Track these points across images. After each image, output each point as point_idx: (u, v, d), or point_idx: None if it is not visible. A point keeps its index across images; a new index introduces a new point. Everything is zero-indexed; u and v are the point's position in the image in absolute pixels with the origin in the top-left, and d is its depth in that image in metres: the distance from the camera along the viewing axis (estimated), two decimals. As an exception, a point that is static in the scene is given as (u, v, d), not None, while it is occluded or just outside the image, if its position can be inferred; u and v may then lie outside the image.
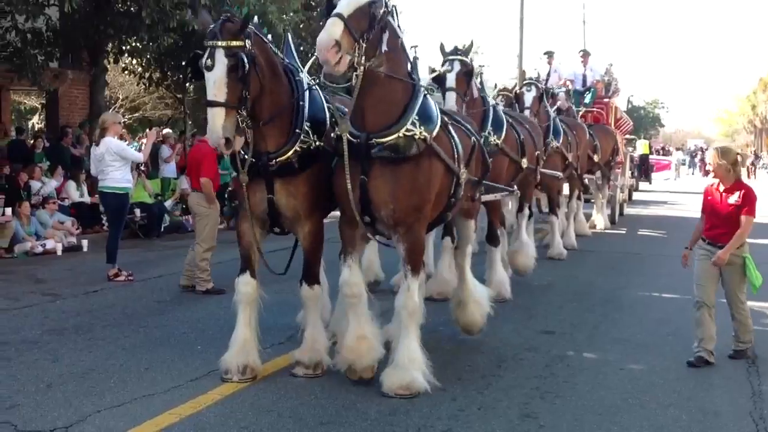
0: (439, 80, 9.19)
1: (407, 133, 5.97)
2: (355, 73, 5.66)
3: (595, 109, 18.49)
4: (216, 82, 5.67)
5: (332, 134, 6.18)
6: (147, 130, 15.00)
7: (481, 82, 10.35)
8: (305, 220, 6.51)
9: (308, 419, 5.67)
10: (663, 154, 50.56)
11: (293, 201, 6.39)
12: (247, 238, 6.59)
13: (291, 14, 17.93)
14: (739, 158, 7.52)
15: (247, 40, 5.81)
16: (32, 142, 17.62)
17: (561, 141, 13.41)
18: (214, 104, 5.66)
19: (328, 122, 6.47)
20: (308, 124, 6.39)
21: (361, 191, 6.01)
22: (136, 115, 30.60)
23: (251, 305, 6.59)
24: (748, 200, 7.29)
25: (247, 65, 5.73)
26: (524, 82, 13.76)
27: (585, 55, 19.42)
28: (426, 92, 6.41)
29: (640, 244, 15.87)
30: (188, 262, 10.17)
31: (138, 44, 18.49)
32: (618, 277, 11.81)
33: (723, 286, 7.40)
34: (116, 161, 10.64)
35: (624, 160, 20.79)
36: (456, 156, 6.58)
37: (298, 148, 6.30)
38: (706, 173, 51.52)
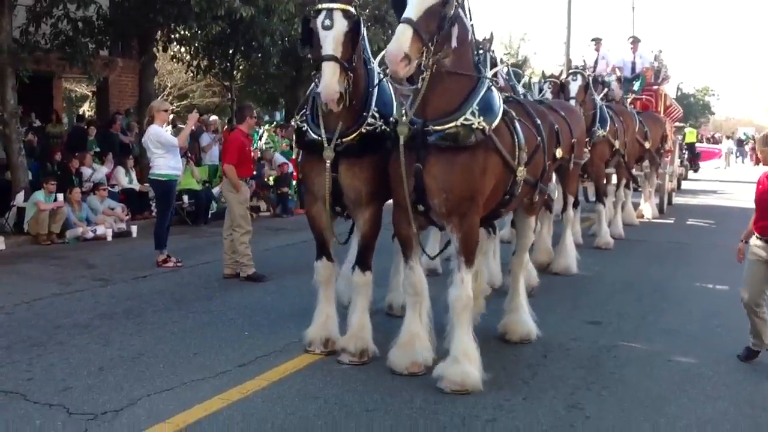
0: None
1: (465, 122, 5.94)
2: (421, 77, 5.76)
3: (644, 96, 18.20)
4: (335, 38, 5.91)
5: (390, 119, 6.34)
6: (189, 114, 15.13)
7: (509, 73, 10.22)
8: (366, 206, 6.62)
9: (354, 406, 5.71)
10: (713, 143, 49.66)
11: (357, 182, 6.51)
12: (318, 221, 6.83)
13: None
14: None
15: (356, 9, 6.13)
16: (86, 127, 17.94)
17: (608, 129, 13.27)
18: (331, 58, 5.86)
19: (393, 113, 6.54)
20: (376, 109, 6.52)
21: (416, 178, 5.99)
22: (184, 102, 30.98)
23: (330, 285, 7.00)
24: None
25: (362, 29, 6.17)
26: (569, 71, 13.65)
27: (635, 41, 19.05)
28: (491, 84, 6.38)
29: (688, 234, 15.64)
30: (226, 251, 10.31)
31: (186, 32, 18.70)
32: (666, 268, 11.66)
33: None
34: (159, 148, 10.83)
35: (673, 149, 20.47)
36: (517, 152, 6.50)
37: (364, 130, 6.42)
38: (757, 161, 50.69)
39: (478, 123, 5.97)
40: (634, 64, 18.53)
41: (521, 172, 6.55)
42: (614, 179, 14.83)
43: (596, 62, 17.48)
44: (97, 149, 16.88)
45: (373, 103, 6.53)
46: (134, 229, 14.42)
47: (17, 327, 7.74)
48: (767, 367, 6.89)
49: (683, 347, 7.43)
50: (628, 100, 16.45)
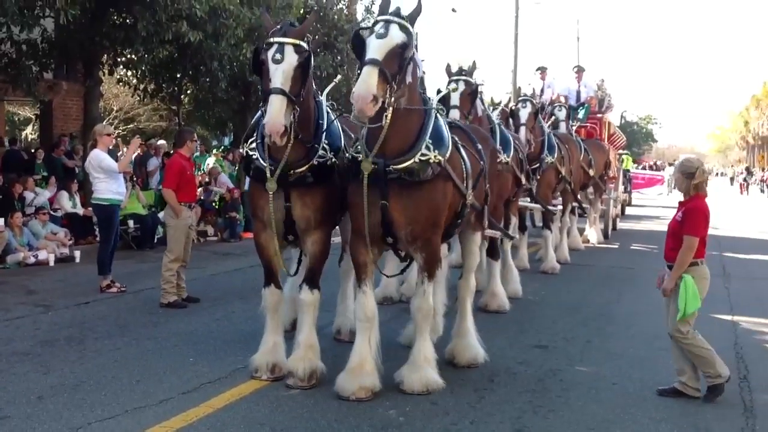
0: (443, 99, 9.44)
1: (422, 158, 6.20)
2: (385, 115, 5.89)
3: (588, 124, 18.60)
4: (284, 72, 6.00)
5: (347, 155, 6.59)
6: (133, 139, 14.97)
7: (481, 100, 10.63)
8: (315, 230, 6.73)
9: (300, 433, 5.66)
10: (656, 170, 50.70)
11: (307, 212, 6.63)
12: (266, 249, 6.87)
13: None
14: (698, 171, 6.71)
15: (307, 44, 6.25)
16: (33, 151, 17.62)
17: (555, 156, 13.48)
18: (279, 92, 5.92)
19: (342, 146, 6.86)
20: (326, 141, 6.68)
21: (382, 214, 6.25)
22: (131, 126, 30.60)
23: (277, 312, 7.01)
24: (689, 216, 6.62)
25: (311, 64, 6.30)
26: (519, 99, 13.78)
27: (579, 71, 19.55)
28: (437, 112, 6.64)
29: (632, 259, 15.91)
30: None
31: (133, 56, 18.50)
32: (611, 292, 11.82)
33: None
34: (100, 173, 10.69)
35: (617, 175, 20.88)
36: (465, 176, 6.85)
37: (315, 162, 6.55)
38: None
39: (434, 156, 6.26)
40: (579, 92, 18.92)
41: (470, 196, 6.90)
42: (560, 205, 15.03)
43: (542, 90, 17.74)
44: (44, 173, 16.57)
45: (324, 136, 6.67)
46: (77, 254, 14.13)
47: (-47, 355, 7.51)
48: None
49: (628, 370, 7.51)
50: (573, 128, 16.72)
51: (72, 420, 5.74)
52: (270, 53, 6.07)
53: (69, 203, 15.70)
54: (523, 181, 11.18)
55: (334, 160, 6.67)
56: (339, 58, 21.94)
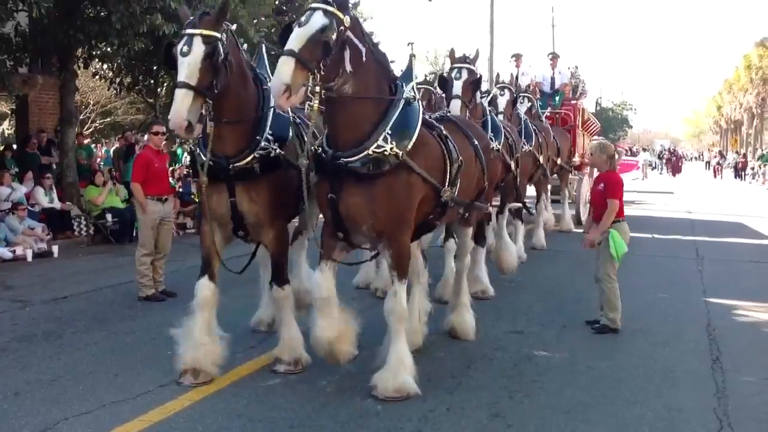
0: (445, 86, 9.50)
1: (377, 150, 5.94)
2: (308, 103, 5.64)
3: (563, 110, 18.57)
4: (189, 66, 5.78)
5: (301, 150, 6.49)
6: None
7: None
8: (269, 227, 6.62)
9: (279, 423, 5.70)
10: (631, 155, 51.01)
11: (255, 207, 6.49)
12: (207, 241, 6.66)
13: (263, 18, 17.90)
14: (614, 153, 8.86)
15: (223, 34, 5.98)
16: (2, 148, 17.47)
17: (533, 144, 13.52)
18: (184, 85, 5.73)
19: (290, 135, 6.68)
20: (270, 133, 6.48)
21: (332, 208, 6.09)
22: (108, 120, 30.42)
23: (209, 309, 6.66)
24: (610, 185, 8.35)
25: (221, 54, 5.91)
26: (497, 85, 13.79)
27: (554, 57, 19.47)
28: (409, 102, 6.30)
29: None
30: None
31: (108, 49, 18.36)
32: (586, 277, 11.88)
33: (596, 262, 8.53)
34: None
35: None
36: (447, 171, 6.60)
37: (257, 155, 6.39)
38: (674, 172, 52.22)
39: (391, 149, 5.97)
40: (553, 79, 18.87)
41: (446, 193, 6.58)
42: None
43: (517, 77, 17.57)
44: (16, 169, 16.45)
45: (267, 127, 6.49)
46: (55, 249, 14.08)
47: (-71, 352, 7.48)
48: (682, 370, 7.12)
49: (602, 353, 7.61)
50: (545, 114, 16.72)
51: (49, 415, 5.75)
52: (179, 46, 5.89)
53: (45, 198, 15.62)
54: (513, 167, 11.33)
55: (279, 152, 6.49)
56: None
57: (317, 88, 5.56)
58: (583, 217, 18.80)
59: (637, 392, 6.51)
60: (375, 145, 5.94)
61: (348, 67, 5.81)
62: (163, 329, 8.31)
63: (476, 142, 7.45)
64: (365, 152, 5.93)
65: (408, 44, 7.12)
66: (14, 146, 18.31)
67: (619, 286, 8.52)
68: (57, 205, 15.72)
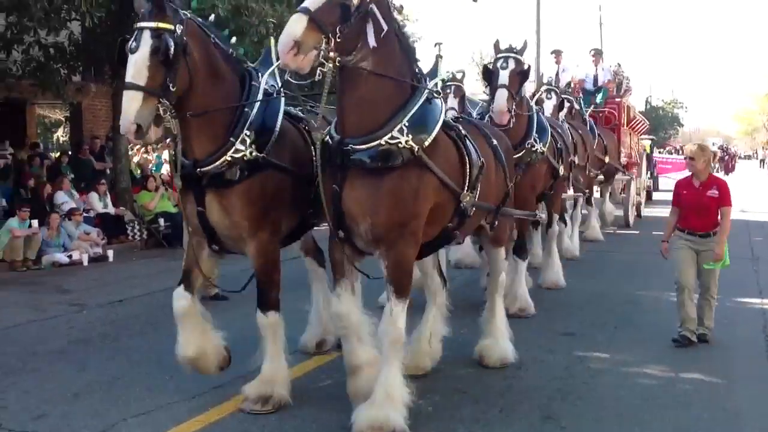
0: (489, 77, 8.84)
1: (391, 141, 5.25)
2: (320, 69, 4.97)
3: (606, 109, 17.92)
4: (136, 64, 5.16)
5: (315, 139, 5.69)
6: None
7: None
8: (249, 239, 5.82)
9: (332, 424, 5.74)
10: (682, 154, 50.24)
11: (227, 218, 5.74)
12: (186, 251, 6.14)
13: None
14: (713, 154, 7.95)
15: (178, 25, 5.28)
16: (57, 155, 17.88)
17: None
18: (131, 87, 5.13)
19: (276, 131, 5.86)
20: (247, 133, 5.68)
21: (334, 202, 5.38)
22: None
23: (188, 317, 6.03)
24: (724, 190, 7.85)
25: (172, 49, 5.18)
26: (544, 88, 13.27)
27: (596, 54, 18.79)
28: (434, 96, 5.64)
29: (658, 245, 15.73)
30: None
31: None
32: (638, 279, 11.78)
33: (699, 273, 7.94)
34: None
35: (639, 161, 20.28)
36: (467, 174, 5.89)
37: (229, 158, 5.61)
38: (727, 171, 51.28)
39: (406, 142, 5.26)
40: (596, 76, 18.27)
41: (467, 198, 5.86)
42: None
43: (557, 75, 16.89)
44: (72, 175, 16.82)
45: (246, 126, 5.70)
46: (110, 253, 14.36)
47: (-8, 355, 7.69)
48: (739, 373, 7.02)
49: (656, 355, 7.53)
50: (588, 113, 16.01)
51: (108, 417, 5.87)
52: (128, 44, 5.28)
53: (100, 204, 15.94)
54: (561, 171, 10.29)
55: (256, 155, 5.67)
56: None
57: (331, 54, 4.90)
58: (632, 219, 18.54)
59: (692, 394, 6.44)
60: (389, 135, 5.24)
61: (371, 42, 5.16)
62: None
63: (494, 142, 6.77)
64: (377, 141, 5.23)
65: (435, 44, 6.65)
66: (69, 153, 18.70)
67: (673, 292, 8.37)
68: (111, 210, 16.04)
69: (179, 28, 5.28)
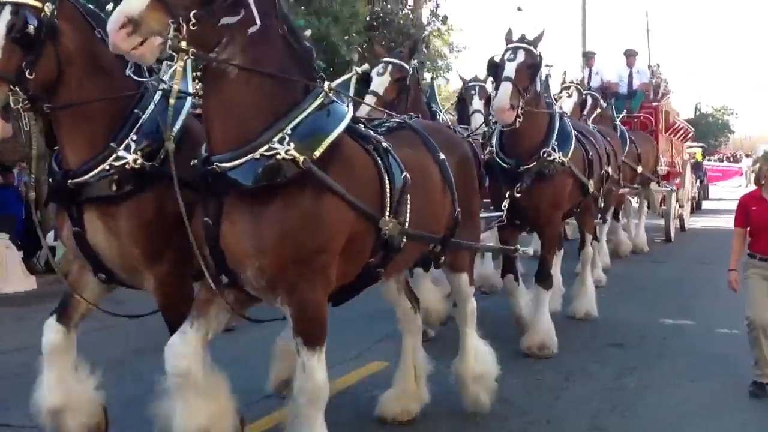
0: (495, 71, 7.64)
1: (267, 153, 4.14)
2: (165, 62, 4.33)
3: (642, 114, 16.68)
4: None
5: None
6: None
7: (547, 86, 8.76)
8: (145, 273, 4.84)
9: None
10: (733, 161, 49.54)
11: (114, 243, 4.71)
12: (69, 276, 5.25)
13: (354, 35, 18.15)
14: None
15: (48, 4, 4.43)
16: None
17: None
18: None
19: (154, 132, 4.71)
20: (134, 137, 4.66)
21: (207, 239, 4.26)
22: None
23: (57, 355, 5.18)
24: None
25: (32, 29, 4.34)
26: (563, 85, 12.38)
27: (631, 55, 17.37)
28: (333, 96, 4.53)
29: (712, 253, 15.54)
30: None
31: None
32: (687, 289, 11.70)
33: None
34: None
35: (683, 170, 19.40)
36: (386, 195, 4.71)
37: (107, 167, 4.60)
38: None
39: (286, 152, 4.14)
40: (630, 79, 17.05)
41: (389, 225, 4.67)
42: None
43: (589, 77, 16.19)
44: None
45: (134, 130, 4.68)
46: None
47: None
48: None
49: (707, 368, 7.50)
50: (619, 118, 14.77)
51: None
52: None
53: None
54: (591, 188, 8.65)
55: (143, 163, 4.62)
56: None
57: (183, 44, 3.82)
58: (673, 233, 17.48)
59: (747, 410, 6.39)
60: (266, 147, 4.14)
61: (242, 36, 4.10)
62: (268, 343, 8.59)
63: (441, 156, 5.41)
64: (249, 156, 4.12)
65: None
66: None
67: (723, 303, 8.22)
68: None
69: (49, 8, 4.43)
